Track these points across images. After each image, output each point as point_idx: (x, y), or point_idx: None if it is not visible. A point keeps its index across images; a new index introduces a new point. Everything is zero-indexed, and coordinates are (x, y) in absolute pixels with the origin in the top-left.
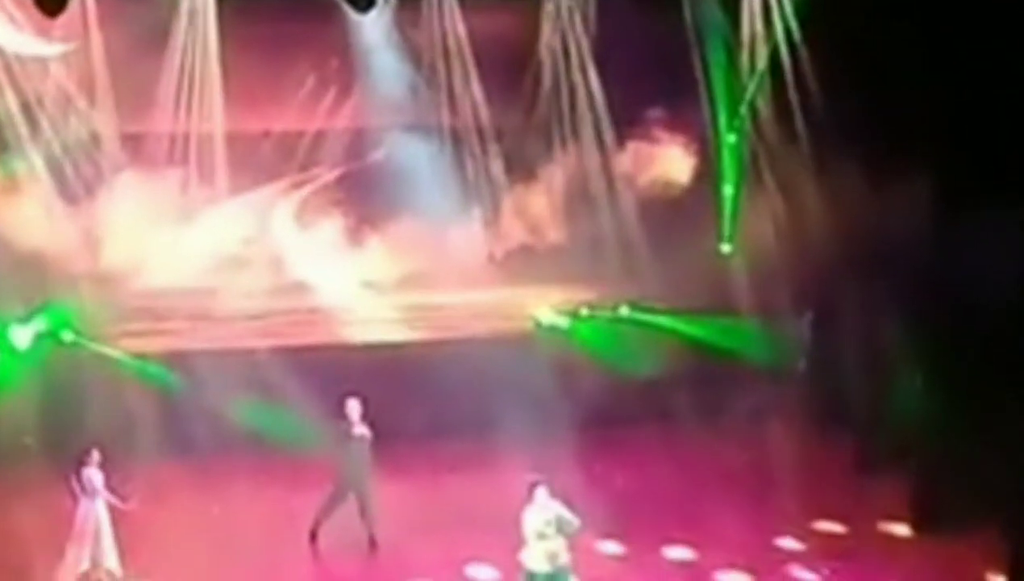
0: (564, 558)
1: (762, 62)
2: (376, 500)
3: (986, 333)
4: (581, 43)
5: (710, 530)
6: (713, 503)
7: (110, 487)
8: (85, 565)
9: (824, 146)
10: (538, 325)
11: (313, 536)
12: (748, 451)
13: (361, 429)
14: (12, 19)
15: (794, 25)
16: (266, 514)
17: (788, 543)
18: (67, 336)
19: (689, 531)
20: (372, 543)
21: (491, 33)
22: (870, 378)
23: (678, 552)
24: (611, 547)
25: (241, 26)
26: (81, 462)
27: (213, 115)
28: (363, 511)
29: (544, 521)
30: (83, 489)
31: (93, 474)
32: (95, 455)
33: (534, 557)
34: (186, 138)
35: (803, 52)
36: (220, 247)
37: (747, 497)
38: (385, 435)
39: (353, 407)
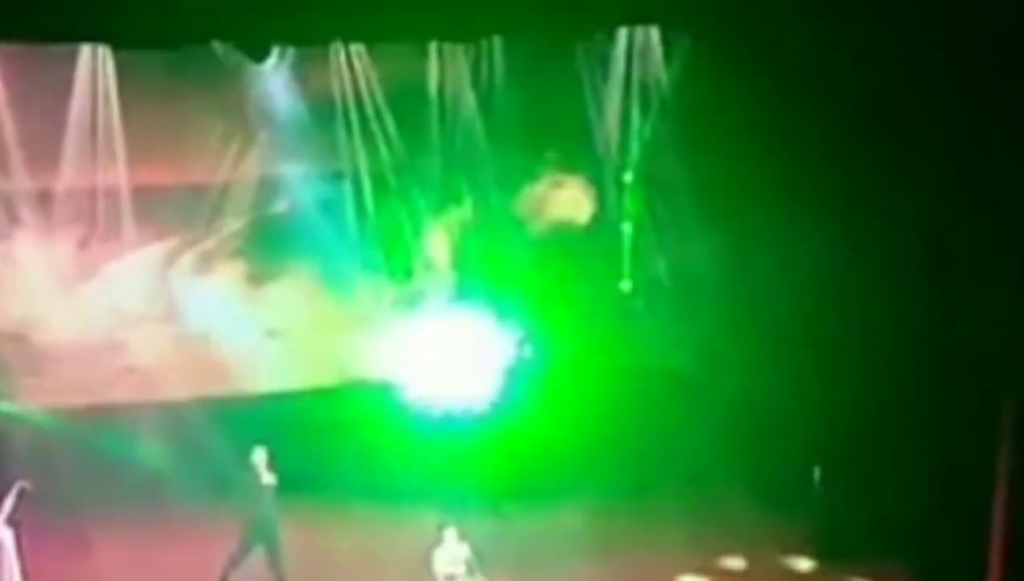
0: None
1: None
2: (285, 549)
3: (888, 360)
4: (479, 88)
5: (619, 564)
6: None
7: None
8: None
9: (725, 181)
10: None
11: None
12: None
13: (268, 478)
14: None
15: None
16: (171, 567)
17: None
18: None
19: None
20: None
21: (391, 79)
22: (768, 410)
23: None
24: None
25: (139, 78)
26: None
27: (114, 169)
28: (272, 561)
29: (451, 560)
30: None
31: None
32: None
33: None
34: (87, 193)
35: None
36: (122, 300)
37: (650, 530)
38: (292, 483)
39: (260, 456)
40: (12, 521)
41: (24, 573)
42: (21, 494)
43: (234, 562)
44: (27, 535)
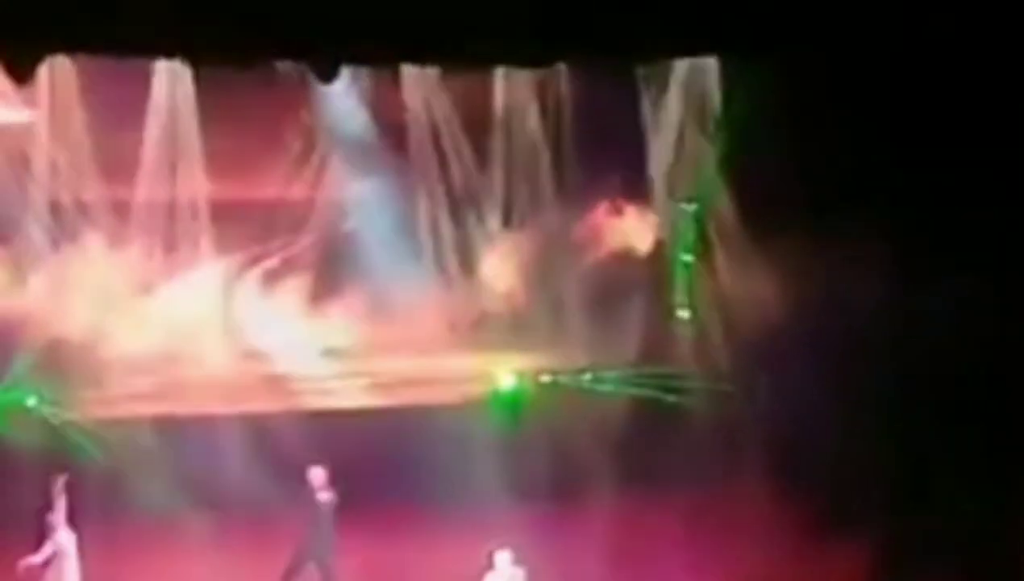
0: None
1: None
2: (337, 568)
3: (949, 399)
4: (545, 112)
5: None
6: (672, 567)
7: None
8: None
9: (784, 212)
10: (498, 392)
11: None
12: (706, 516)
13: (324, 496)
14: None
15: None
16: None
17: None
18: (31, 402)
19: None
20: None
21: (458, 102)
22: (827, 444)
23: None
24: None
25: (211, 96)
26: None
27: (185, 184)
28: (325, 579)
29: None
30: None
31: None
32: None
33: None
34: (158, 206)
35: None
36: (184, 315)
37: (706, 562)
38: (346, 502)
39: (316, 474)
40: (73, 525)
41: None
42: (66, 488)
43: (288, 577)
44: (87, 541)
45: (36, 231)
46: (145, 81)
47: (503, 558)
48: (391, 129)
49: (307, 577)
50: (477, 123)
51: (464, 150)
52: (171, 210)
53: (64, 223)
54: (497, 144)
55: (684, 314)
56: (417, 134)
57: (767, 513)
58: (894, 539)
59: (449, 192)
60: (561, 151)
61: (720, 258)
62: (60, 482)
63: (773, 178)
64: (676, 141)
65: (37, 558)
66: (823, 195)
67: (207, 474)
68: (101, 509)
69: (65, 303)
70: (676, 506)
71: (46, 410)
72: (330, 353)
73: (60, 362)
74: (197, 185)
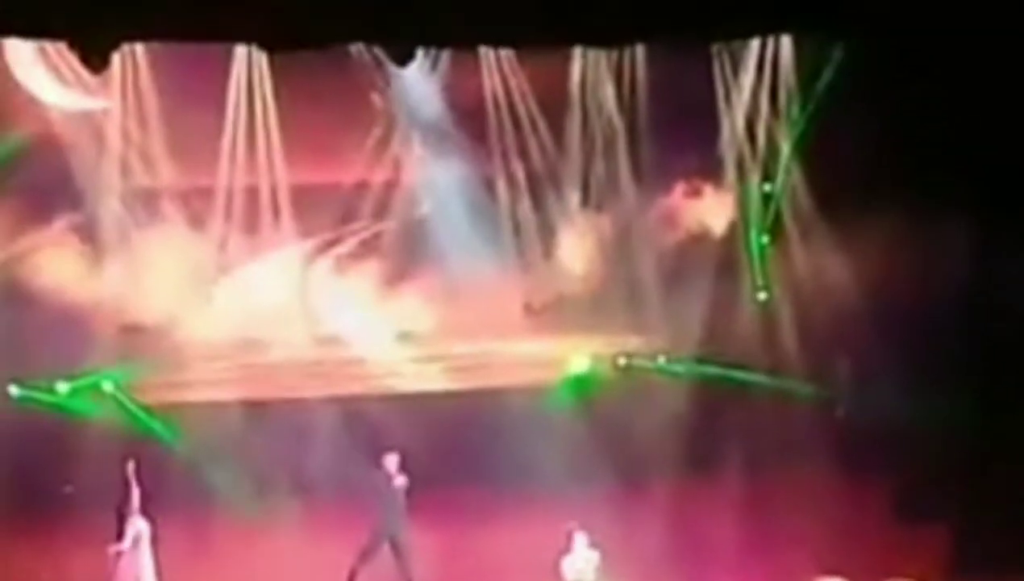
0: None
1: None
2: (412, 550)
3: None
4: (621, 92)
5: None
6: (752, 551)
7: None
8: None
9: (861, 193)
10: (573, 375)
11: None
12: (786, 500)
13: (399, 480)
14: (57, 74)
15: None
16: (304, 564)
17: None
18: (108, 387)
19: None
20: None
21: (535, 83)
22: (910, 425)
23: None
24: None
25: (286, 80)
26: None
27: (259, 169)
28: (400, 562)
29: (580, 570)
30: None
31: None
32: (135, 503)
33: None
34: (233, 191)
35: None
36: (261, 299)
37: (786, 546)
38: (422, 485)
39: (391, 460)
40: (149, 511)
41: (158, 567)
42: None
43: (363, 558)
44: (166, 527)
45: (114, 217)
46: (221, 67)
47: (580, 540)
48: (468, 111)
49: (382, 559)
50: (554, 104)
51: (541, 131)
52: (247, 195)
53: (142, 209)
54: (574, 125)
55: (761, 296)
56: (494, 116)
57: (843, 497)
58: (974, 524)
59: (526, 174)
60: (638, 131)
61: (797, 239)
62: (130, 468)
63: (850, 156)
64: (752, 121)
65: (125, 543)
66: (901, 173)
67: (283, 458)
68: (179, 495)
69: (143, 288)
70: (751, 490)
71: (123, 395)
72: (405, 337)
73: (138, 347)
74: (274, 170)
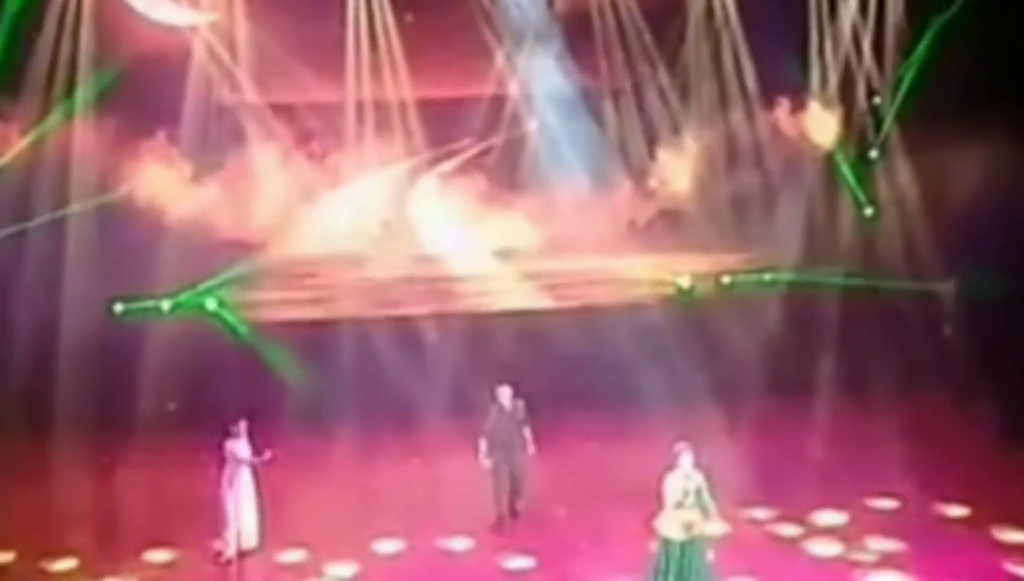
0: (700, 529)
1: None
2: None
3: None
4: (727, 4)
5: (855, 497)
6: (856, 471)
7: (255, 455)
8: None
9: (972, 107)
10: (680, 291)
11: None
12: (891, 421)
13: (513, 410)
14: None
15: None
16: (409, 482)
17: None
18: (211, 304)
19: (836, 498)
20: (513, 513)
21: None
22: (1018, 344)
23: (826, 517)
24: (759, 514)
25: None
26: (227, 433)
27: (360, 87)
28: (514, 487)
29: (683, 490)
30: (227, 459)
31: (238, 445)
32: (242, 426)
33: (669, 525)
34: (334, 107)
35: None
36: (366, 216)
37: (889, 467)
38: (526, 404)
39: (504, 391)
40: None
41: (259, 485)
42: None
43: (505, 493)
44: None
45: (217, 132)
46: None
47: (686, 459)
48: (574, 22)
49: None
50: (661, 15)
51: (647, 44)
52: (352, 112)
53: (245, 124)
54: (680, 41)
55: (868, 211)
56: (600, 27)
57: (950, 420)
58: None
59: (632, 88)
60: (743, 46)
61: (904, 154)
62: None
63: (962, 71)
64: (861, 37)
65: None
66: (1008, 89)
67: (384, 376)
68: (282, 413)
69: (245, 205)
70: (854, 410)
71: (227, 312)
72: (509, 254)
73: (241, 264)
74: (377, 88)
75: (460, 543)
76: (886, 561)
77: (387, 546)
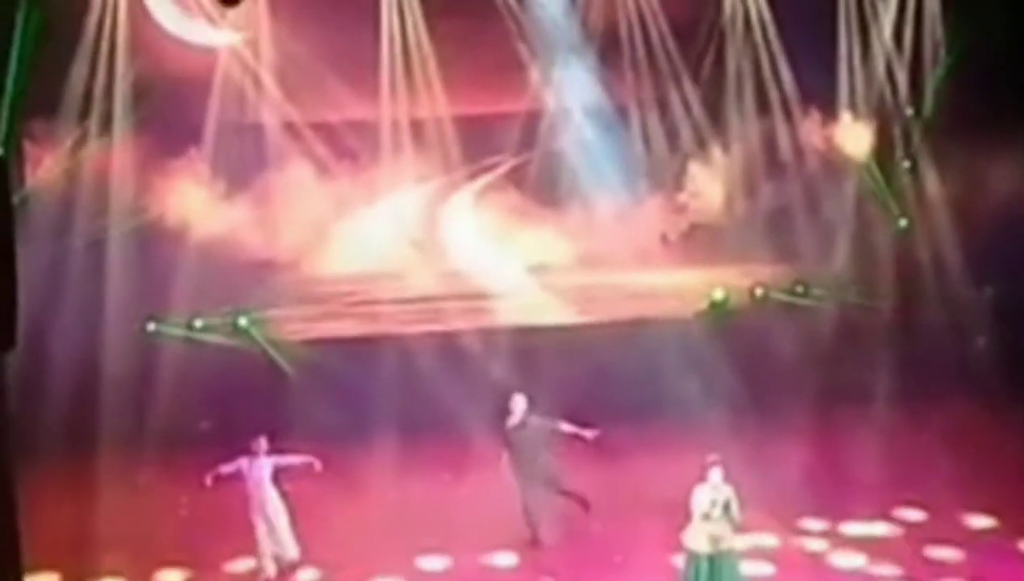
0: (728, 543)
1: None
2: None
3: None
4: (763, 15)
5: (894, 507)
6: (888, 483)
7: (279, 474)
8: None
9: (1006, 117)
10: (713, 304)
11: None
12: (924, 432)
13: (527, 419)
14: (187, 9)
15: None
16: (440, 499)
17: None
18: (242, 322)
19: (876, 507)
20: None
21: (672, 6)
22: None
23: (861, 529)
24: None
25: (425, 12)
26: (248, 451)
27: (394, 104)
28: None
29: (711, 502)
30: (248, 477)
31: (261, 463)
32: (263, 444)
33: (696, 537)
34: (366, 125)
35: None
36: (400, 233)
37: (923, 479)
38: (560, 418)
39: (519, 401)
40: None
41: (288, 502)
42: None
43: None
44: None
45: (248, 153)
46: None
47: (715, 473)
48: (607, 39)
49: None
50: (691, 32)
51: (678, 61)
52: (386, 129)
53: (273, 143)
54: (711, 54)
55: (901, 223)
56: (627, 42)
57: (984, 430)
58: None
59: (661, 103)
60: (775, 60)
61: (938, 165)
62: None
63: (998, 81)
64: (895, 46)
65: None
66: None
67: (414, 393)
68: (311, 429)
69: (275, 224)
70: (888, 422)
71: (258, 330)
72: (541, 269)
73: (272, 283)
74: (411, 104)
75: (501, 559)
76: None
77: (430, 563)
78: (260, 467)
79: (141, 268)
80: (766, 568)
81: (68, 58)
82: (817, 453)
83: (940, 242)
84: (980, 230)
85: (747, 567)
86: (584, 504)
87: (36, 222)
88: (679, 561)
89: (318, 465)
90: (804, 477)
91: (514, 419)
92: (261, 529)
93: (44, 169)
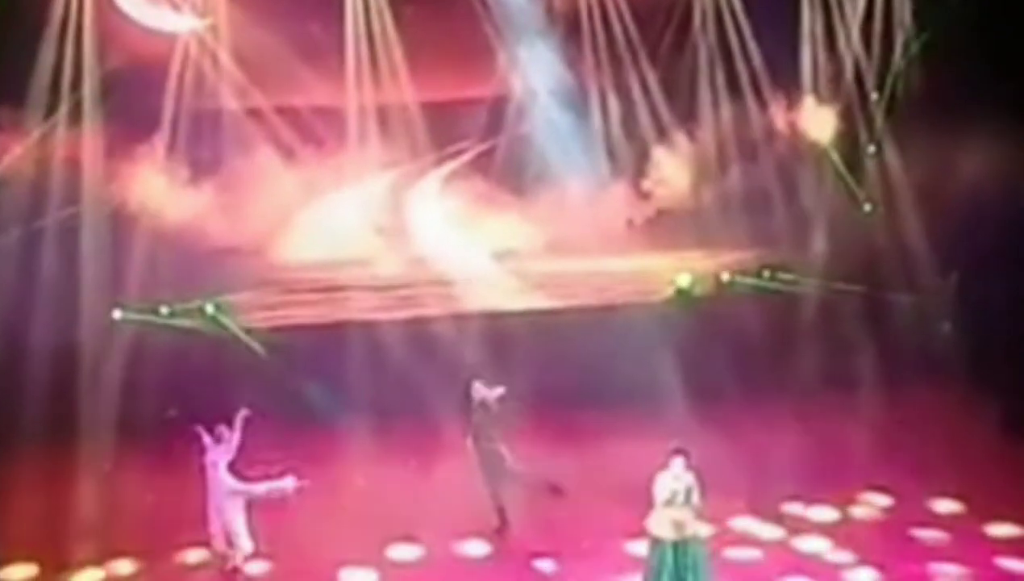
0: (693, 529)
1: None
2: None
3: None
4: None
5: (856, 494)
6: (854, 469)
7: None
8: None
9: (971, 103)
10: (679, 291)
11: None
12: (891, 417)
13: (488, 404)
14: None
15: None
16: (400, 487)
17: (942, 505)
18: (209, 309)
19: (833, 494)
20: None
21: None
22: (1018, 340)
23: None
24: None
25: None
26: (203, 438)
27: (359, 90)
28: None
29: (672, 490)
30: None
31: (217, 450)
32: (216, 433)
33: (659, 523)
34: (331, 113)
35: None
36: (365, 219)
37: (891, 462)
38: (525, 403)
39: (478, 388)
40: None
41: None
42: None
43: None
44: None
45: (213, 139)
46: None
47: (677, 463)
48: (572, 24)
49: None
50: (655, 17)
51: (636, 44)
52: (351, 116)
53: (238, 130)
54: (675, 39)
55: (866, 207)
56: (588, 27)
57: (951, 415)
58: None
59: (626, 88)
60: (738, 45)
61: (902, 150)
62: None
63: (962, 66)
64: (860, 32)
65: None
66: (1014, 82)
67: (379, 379)
68: (277, 415)
69: (243, 211)
70: (854, 408)
71: (224, 317)
72: (507, 255)
73: (237, 269)
74: (375, 90)
75: (473, 547)
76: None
77: (400, 552)
78: (218, 455)
79: (107, 256)
80: (736, 553)
81: (34, 45)
82: (784, 438)
83: (905, 227)
84: (945, 215)
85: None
86: (556, 491)
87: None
88: (641, 548)
89: (290, 489)
90: (772, 462)
91: (473, 406)
92: (215, 522)
93: (10, 157)
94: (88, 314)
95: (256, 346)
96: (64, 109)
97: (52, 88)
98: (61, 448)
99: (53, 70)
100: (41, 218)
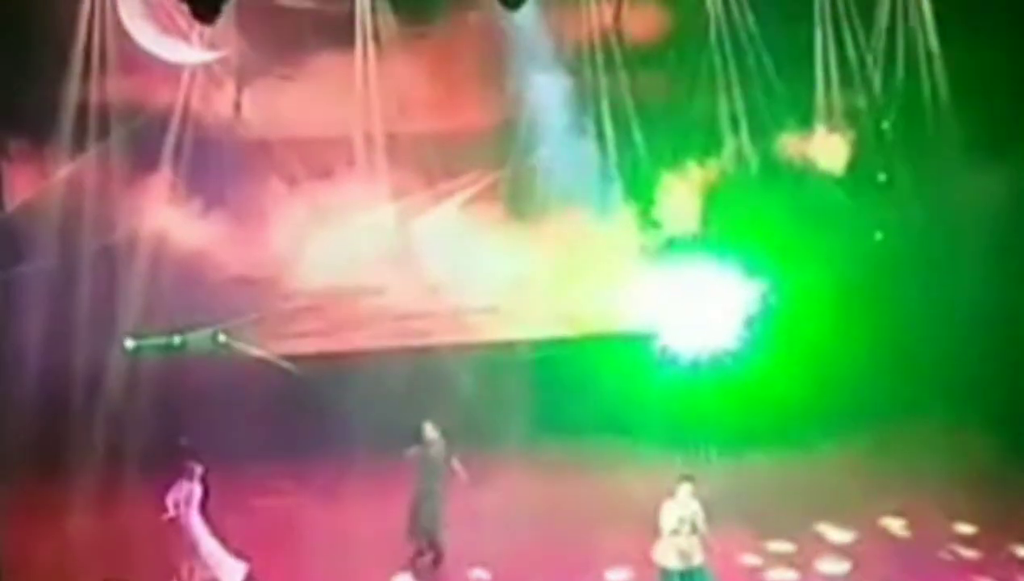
0: (699, 559)
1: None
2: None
3: None
4: (734, 31)
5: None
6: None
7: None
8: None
9: (982, 132)
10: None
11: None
12: (903, 446)
13: (435, 446)
14: (163, 27)
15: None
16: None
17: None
18: (222, 338)
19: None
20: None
21: (648, 23)
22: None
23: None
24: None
25: (399, 29)
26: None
27: (371, 116)
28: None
29: (679, 518)
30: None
31: (194, 489)
32: (197, 471)
33: (665, 553)
34: (343, 142)
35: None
36: (374, 248)
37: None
38: (535, 431)
39: (428, 428)
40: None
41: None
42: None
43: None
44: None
45: (222, 168)
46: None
47: (685, 489)
48: (579, 56)
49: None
50: (665, 45)
51: (654, 73)
52: (360, 145)
53: (250, 159)
54: (686, 67)
55: (877, 235)
56: (606, 59)
57: (946, 445)
58: None
59: (637, 117)
60: (751, 73)
61: (914, 178)
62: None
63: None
64: (868, 61)
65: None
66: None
67: (390, 408)
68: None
69: (254, 241)
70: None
71: (237, 345)
72: (519, 283)
73: (249, 298)
74: (386, 119)
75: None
76: None
77: None
78: (190, 494)
79: (119, 286)
80: None
81: (54, 76)
82: (787, 477)
83: (915, 255)
84: (953, 241)
85: None
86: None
87: (13, 242)
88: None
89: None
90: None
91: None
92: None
93: (20, 188)
94: (101, 344)
95: (267, 375)
96: (75, 140)
97: (64, 119)
98: (73, 478)
99: (77, 104)
100: (52, 249)
